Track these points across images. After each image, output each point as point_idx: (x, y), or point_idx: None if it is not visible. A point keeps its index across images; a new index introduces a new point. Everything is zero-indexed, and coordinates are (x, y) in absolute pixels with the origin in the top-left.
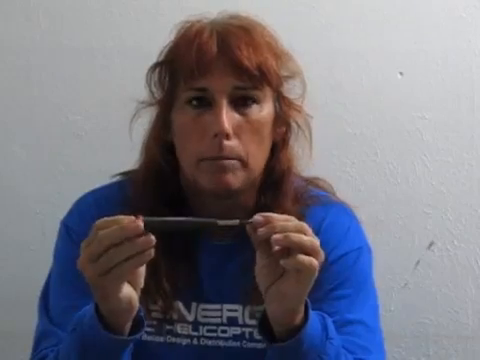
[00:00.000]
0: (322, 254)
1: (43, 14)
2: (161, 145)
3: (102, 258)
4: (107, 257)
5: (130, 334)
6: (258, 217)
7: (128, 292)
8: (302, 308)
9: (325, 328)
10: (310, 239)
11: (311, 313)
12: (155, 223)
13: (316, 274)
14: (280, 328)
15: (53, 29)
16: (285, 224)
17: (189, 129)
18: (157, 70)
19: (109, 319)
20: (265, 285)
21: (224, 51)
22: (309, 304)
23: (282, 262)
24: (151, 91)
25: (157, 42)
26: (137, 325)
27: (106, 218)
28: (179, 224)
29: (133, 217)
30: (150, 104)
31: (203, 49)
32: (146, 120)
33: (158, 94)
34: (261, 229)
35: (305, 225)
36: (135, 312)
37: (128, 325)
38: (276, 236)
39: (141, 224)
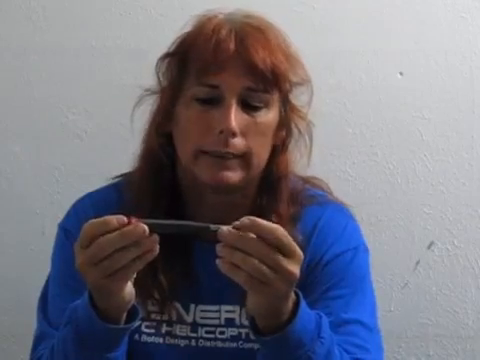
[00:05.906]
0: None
1: (43, 14)
2: (161, 136)
3: (105, 262)
4: (111, 261)
5: (126, 323)
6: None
7: (129, 287)
8: (284, 308)
9: (318, 327)
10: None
11: (302, 311)
12: (150, 225)
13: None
14: (266, 325)
15: (53, 29)
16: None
17: (194, 123)
18: (167, 60)
19: (107, 312)
20: None
21: (241, 51)
22: (301, 302)
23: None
24: (159, 80)
25: (157, 42)
26: (132, 313)
27: (94, 220)
28: (174, 227)
29: (123, 217)
30: (154, 92)
31: (221, 46)
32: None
33: (165, 84)
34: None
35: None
36: (132, 303)
37: (124, 315)
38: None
39: (146, 228)
